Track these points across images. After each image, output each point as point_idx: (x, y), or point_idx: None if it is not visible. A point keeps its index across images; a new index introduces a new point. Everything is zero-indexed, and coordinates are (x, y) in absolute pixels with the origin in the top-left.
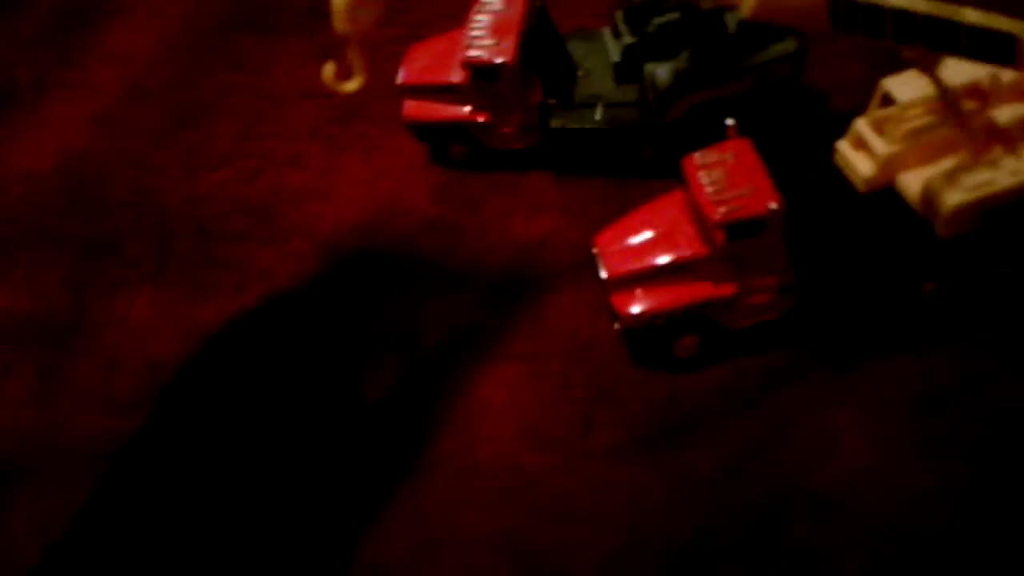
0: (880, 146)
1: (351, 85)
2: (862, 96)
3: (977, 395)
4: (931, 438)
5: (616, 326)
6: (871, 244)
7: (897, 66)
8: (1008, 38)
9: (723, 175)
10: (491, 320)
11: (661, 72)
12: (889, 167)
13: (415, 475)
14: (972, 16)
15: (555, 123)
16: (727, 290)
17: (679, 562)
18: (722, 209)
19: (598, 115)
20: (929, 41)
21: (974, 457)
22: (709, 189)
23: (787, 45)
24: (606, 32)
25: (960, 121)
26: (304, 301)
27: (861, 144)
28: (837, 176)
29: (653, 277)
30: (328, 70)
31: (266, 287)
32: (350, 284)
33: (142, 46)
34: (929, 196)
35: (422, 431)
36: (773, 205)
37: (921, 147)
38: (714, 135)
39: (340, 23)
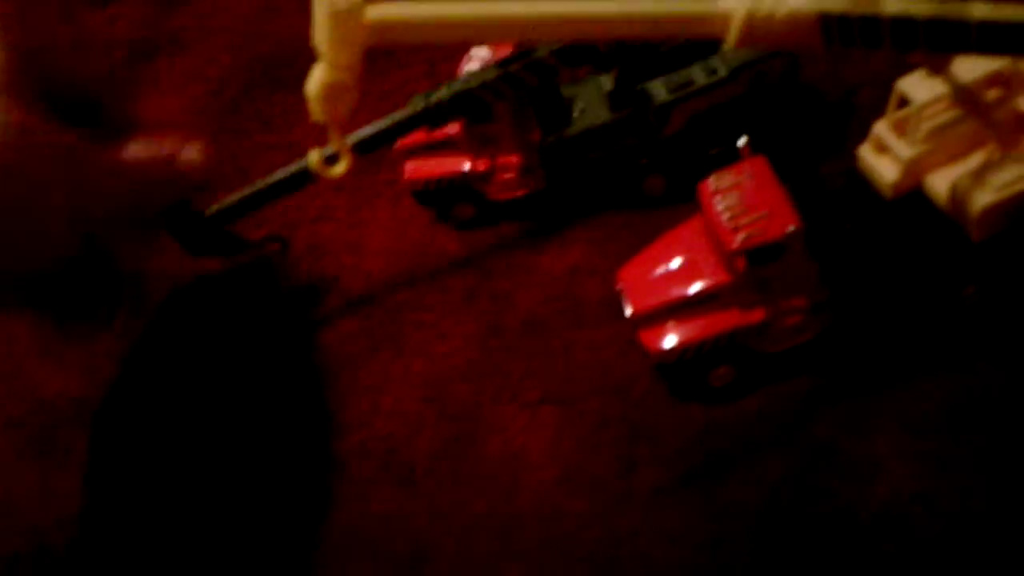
0: (903, 149)
1: (337, 170)
2: (882, 91)
3: None
4: (977, 456)
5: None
6: (905, 252)
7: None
8: (1022, 28)
9: (739, 199)
10: (521, 361)
11: (655, 86)
12: (914, 170)
13: (455, 533)
14: (980, 11)
15: (554, 156)
16: (757, 316)
17: None
18: (740, 236)
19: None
20: (934, 44)
21: None
22: (726, 216)
23: None
24: (597, 77)
25: (983, 115)
26: (330, 344)
27: (883, 148)
28: (863, 183)
29: (679, 310)
30: (313, 157)
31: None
32: (379, 331)
33: (173, 114)
34: (958, 198)
35: (460, 485)
36: (791, 228)
37: (945, 146)
38: (720, 145)
39: (316, 114)
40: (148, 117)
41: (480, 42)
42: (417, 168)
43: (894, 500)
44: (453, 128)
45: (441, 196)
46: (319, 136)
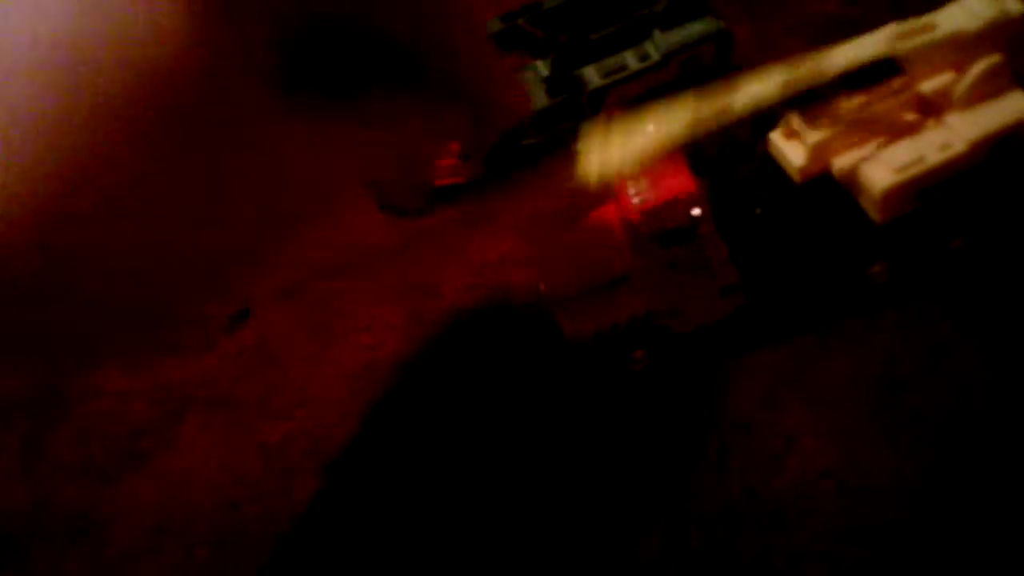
0: (810, 134)
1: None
2: None
3: (936, 374)
4: (891, 427)
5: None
6: (812, 234)
7: (840, 36)
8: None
9: (649, 183)
10: (446, 350)
11: (589, 72)
12: (821, 154)
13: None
14: (840, 62)
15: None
16: (669, 298)
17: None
18: (647, 220)
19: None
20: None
21: (938, 442)
22: (636, 200)
23: (708, 25)
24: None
25: (887, 99)
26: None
27: (792, 133)
28: (774, 167)
29: (594, 293)
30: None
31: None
32: (309, 320)
33: None
34: (860, 181)
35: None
36: (696, 212)
37: (851, 131)
38: None
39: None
40: None
41: None
42: None
43: (805, 476)
44: None
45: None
46: None
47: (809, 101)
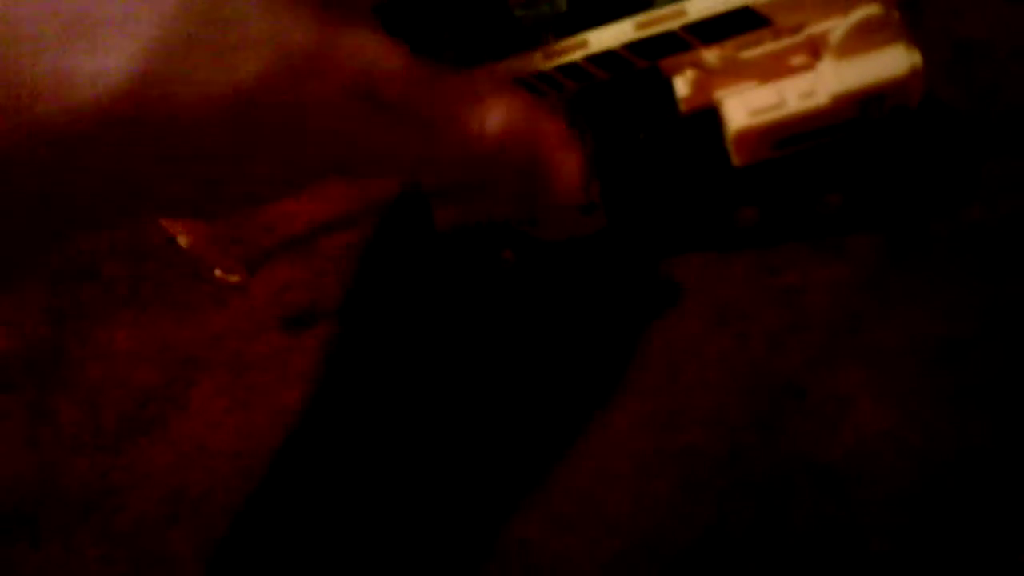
0: (696, 65)
1: None
2: None
3: (1001, 336)
4: (954, 390)
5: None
6: (684, 168)
7: None
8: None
9: None
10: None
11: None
12: (705, 87)
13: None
14: (695, 11)
15: None
16: (524, 206)
17: (690, 558)
18: None
19: None
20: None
21: (1004, 407)
22: None
23: None
24: None
25: (778, 37)
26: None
27: (682, 64)
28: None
29: (463, 192)
30: None
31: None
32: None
33: None
34: (722, 120)
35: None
36: None
37: (738, 67)
38: None
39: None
40: None
41: None
42: None
43: (861, 441)
44: None
45: None
46: None
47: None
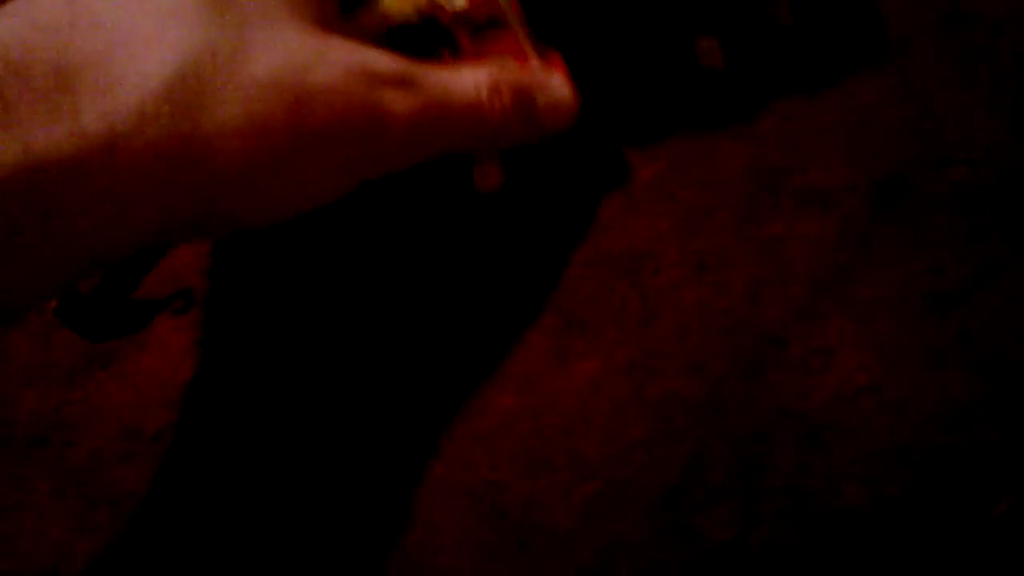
0: None
1: None
2: None
3: (986, 292)
4: (937, 345)
5: None
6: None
7: None
8: None
9: None
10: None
11: None
12: None
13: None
14: None
15: None
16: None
17: (665, 504)
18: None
19: None
20: None
21: (987, 363)
22: None
23: None
24: None
25: None
26: None
27: None
28: None
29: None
30: None
31: None
32: None
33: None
34: None
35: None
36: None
37: None
38: None
39: None
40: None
41: None
42: None
43: (843, 393)
44: None
45: None
46: None
47: None
